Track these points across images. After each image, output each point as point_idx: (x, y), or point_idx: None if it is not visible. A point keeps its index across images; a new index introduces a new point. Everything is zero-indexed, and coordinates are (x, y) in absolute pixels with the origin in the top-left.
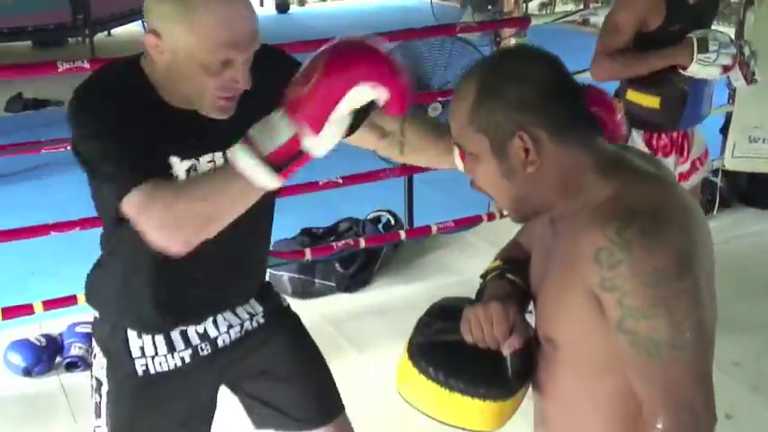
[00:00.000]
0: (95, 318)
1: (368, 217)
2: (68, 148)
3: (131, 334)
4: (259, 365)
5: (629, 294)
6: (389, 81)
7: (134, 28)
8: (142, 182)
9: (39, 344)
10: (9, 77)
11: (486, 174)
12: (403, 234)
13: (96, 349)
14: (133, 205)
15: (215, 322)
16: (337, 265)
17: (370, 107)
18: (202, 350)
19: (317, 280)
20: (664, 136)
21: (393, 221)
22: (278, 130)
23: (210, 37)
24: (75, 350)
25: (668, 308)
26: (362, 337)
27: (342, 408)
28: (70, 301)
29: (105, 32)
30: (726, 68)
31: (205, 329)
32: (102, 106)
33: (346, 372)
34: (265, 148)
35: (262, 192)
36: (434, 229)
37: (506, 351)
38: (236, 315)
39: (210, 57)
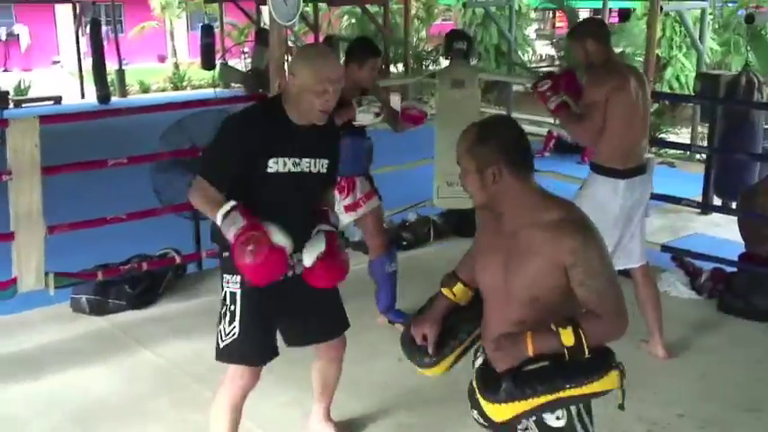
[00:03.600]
0: (224, 256)
1: (157, 253)
2: None
3: None
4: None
5: (589, 268)
6: None
7: None
8: (205, 178)
9: None
10: None
11: (470, 183)
12: (178, 258)
13: (228, 276)
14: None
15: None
16: (126, 286)
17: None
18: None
19: (110, 300)
20: (341, 179)
21: (177, 256)
22: None
23: (320, 75)
24: None
25: (605, 274)
26: (146, 337)
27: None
28: None
29: None
30: (377, 114)
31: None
32: (231, 128)
33: (132, 363)
34: None
35: None
36: (204, 254)
37: (430, 348)
38: (294, 257)
39: (318, 86)
